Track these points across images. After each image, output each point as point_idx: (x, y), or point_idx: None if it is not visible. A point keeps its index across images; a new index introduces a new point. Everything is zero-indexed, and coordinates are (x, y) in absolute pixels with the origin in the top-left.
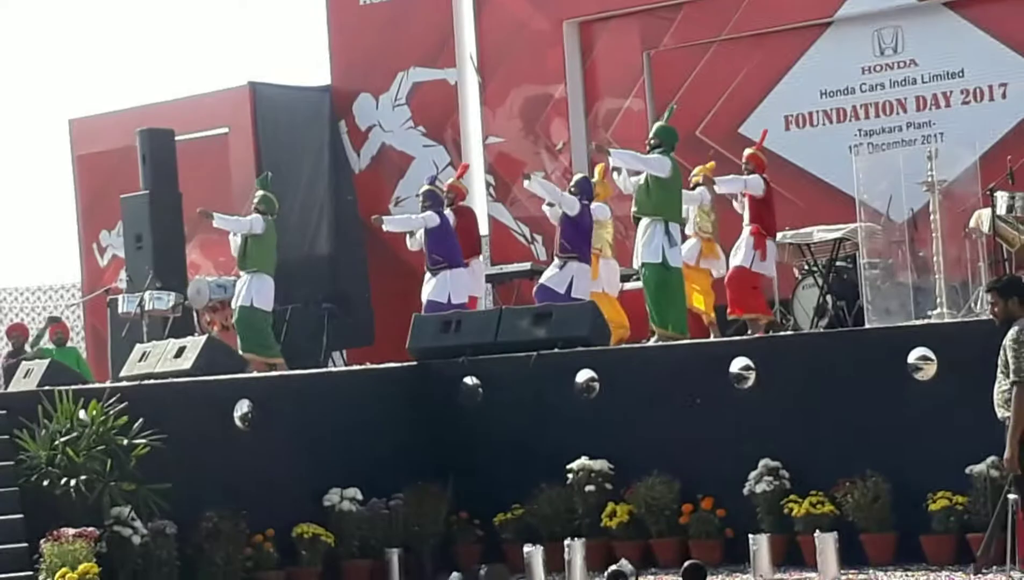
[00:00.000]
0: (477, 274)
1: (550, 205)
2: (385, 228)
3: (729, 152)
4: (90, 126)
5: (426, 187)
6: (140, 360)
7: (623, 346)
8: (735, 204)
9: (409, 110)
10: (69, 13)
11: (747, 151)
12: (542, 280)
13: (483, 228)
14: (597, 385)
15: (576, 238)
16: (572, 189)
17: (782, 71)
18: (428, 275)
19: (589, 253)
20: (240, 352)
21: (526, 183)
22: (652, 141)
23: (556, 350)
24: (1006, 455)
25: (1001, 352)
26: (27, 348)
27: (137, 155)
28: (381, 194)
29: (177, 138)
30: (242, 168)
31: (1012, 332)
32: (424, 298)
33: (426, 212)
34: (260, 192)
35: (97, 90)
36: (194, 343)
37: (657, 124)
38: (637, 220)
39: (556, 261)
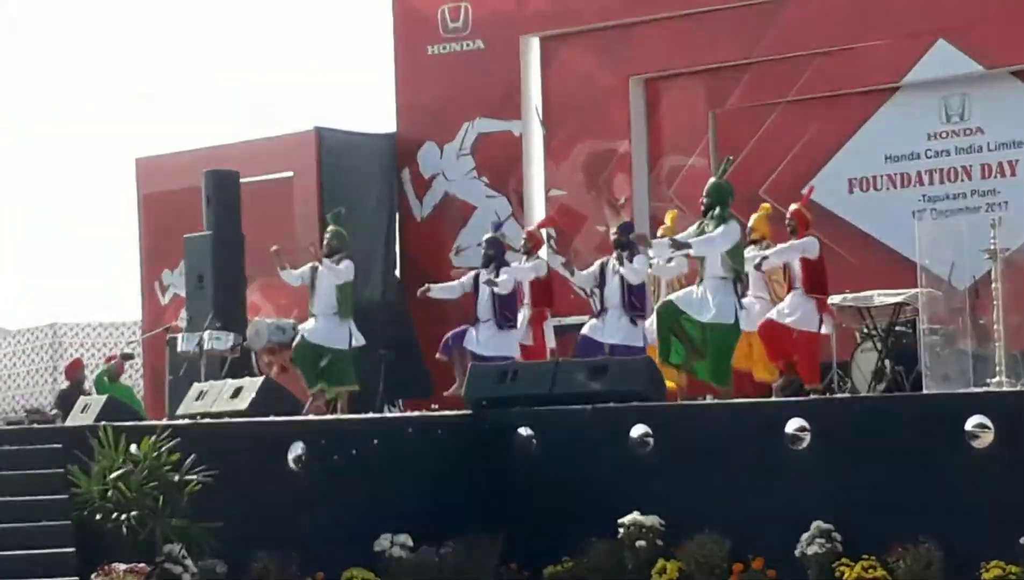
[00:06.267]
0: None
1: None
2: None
3: None
4: (156, 165)
5: (490, 234)
6: (197, 399)
7: (678, 403)
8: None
9: (473, 160)
10: (140, 55)
11: (792, 207)
12: (615, 340)
13: None
14: (651, 440)
15: (643, 296)
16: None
17: (848, 134)
18: (493, 329)
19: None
20: (351, 389)
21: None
22: (705, 201)
23: (611, 404)
24: None
25: None
26: (87, 385)
27: (202, 196)
28: (442, 242)
29: (242, 180)
30: (305, 212)
31: None
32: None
33: (502, 274)
34: (333, 228)
35: (165, 131)
36: (251, 384)
37: (710, 181)
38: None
39: (620, 317)
